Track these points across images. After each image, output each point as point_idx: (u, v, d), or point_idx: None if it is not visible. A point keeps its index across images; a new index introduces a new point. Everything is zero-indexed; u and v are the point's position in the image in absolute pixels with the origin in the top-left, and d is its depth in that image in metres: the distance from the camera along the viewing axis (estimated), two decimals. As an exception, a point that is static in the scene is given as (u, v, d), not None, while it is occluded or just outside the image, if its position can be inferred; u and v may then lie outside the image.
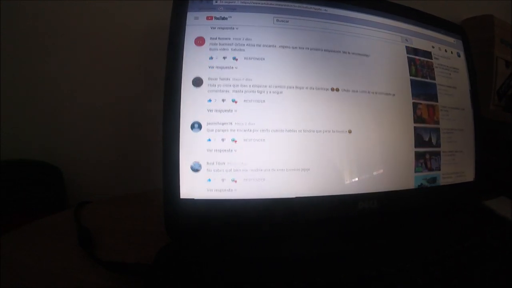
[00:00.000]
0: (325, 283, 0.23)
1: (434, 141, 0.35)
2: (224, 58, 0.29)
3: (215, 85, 0.28)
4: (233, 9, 0.30)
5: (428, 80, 0.36)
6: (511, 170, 0.47)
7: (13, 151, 0.50)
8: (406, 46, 0.36)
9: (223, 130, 0.28)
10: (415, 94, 0.35)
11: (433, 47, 0.37)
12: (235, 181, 0.28)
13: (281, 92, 0.29)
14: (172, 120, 0.27)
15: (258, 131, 0.28)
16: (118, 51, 0.52)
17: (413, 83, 0.35)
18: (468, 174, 0.38)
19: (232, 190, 0.28)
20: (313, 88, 0.30)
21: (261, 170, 0.28)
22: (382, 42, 0.34)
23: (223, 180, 0.28)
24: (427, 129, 0.35)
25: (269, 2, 0.31)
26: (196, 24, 0.29)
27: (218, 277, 0.24)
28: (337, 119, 0.31)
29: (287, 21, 0.31)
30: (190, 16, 0.29)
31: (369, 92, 0.32)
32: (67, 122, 0.53)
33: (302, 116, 0.30)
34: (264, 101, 0.29)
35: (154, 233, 0.32)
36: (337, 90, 0.31)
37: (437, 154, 0.36)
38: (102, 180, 0.56)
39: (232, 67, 0.29)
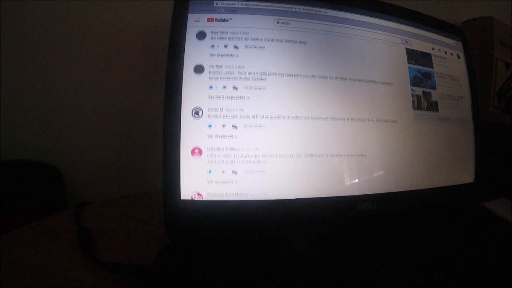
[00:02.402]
0: (325, 284, 0.23)
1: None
2: (225, 46, 0.29)
3: (217, 72, 0.29)
4: (233, 11, 0.30)
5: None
6: (510, 171, 0.47)
7: (13, 152, 0.50)
8: (406, 48, 0.36)
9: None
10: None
11: (433, 48, 0.38)
12: (236, 173, 0.28)
13: (279, 80, 0.30)
14: (173, 106, 0.27)
15: (258, 118, 0.29)
16: (119, 52, 0.52)
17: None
18: (467, 176, 0.38)
19: (232, 182, 0.28)
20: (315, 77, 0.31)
21: (262, 161, 0.28)
22: (382, 43, 0.34)
23: (223, 171, 0.28)
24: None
25: (270, 4, 0.31)
26: (197, 26, 0.29)
27: (218, 279, 0.24)
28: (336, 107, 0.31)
29: (288, 23, 0.31)
30: (191, 18, 0.29)
31: (365, 81, 0.33)
32: (67, 123, 0.53)
33: (301, 105, 0.30)
34: (264, 88, 0.29)
35: (154, 234, 0.32)
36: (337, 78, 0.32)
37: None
38: (102, 181, 0.56)
39: (233, 55, 0.29)
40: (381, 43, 0.34)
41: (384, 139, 0.33)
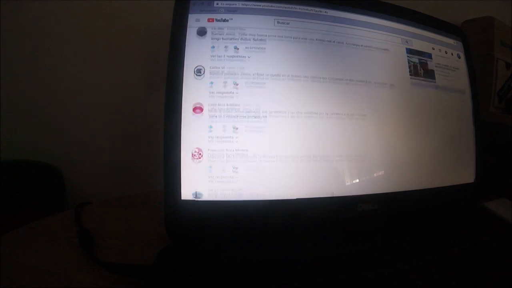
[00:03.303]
0: (325, 284, 0.23)
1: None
2: (226, 46, 0.29)
3: (217, 73, 0.29)
4: (234, 11, 0.30)
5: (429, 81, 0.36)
6: (510, 171, 0.47)
7: (13, 152, 0.50)
8: (407, 48, 0.36)
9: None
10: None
11: (433, 48, 0.38)
12: (236, 170, 0.28)
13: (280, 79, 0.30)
14: (173, 106, 0.27)
15: (258, 118, 0.29)
16: (119, 52, 0.52)
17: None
18: (468, 176, 0.38)
19: (233, 178, 0.28)
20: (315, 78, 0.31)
21: (262, 161, 0.28)
22: (383, 43, 0.34)
23: (224, 168, 0.28)
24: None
25: (270, 4, 0.31)
26: (197, 26, 0.29)
27: (218, 279, 0.24)
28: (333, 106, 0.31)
29: (288, 23, 0.31)
30: (192, 18, 0.29)
31: (366, 82, 0.33)
32: (67, 123, 0.53)
33: (302, 105, 0.30)
34: (264, 87, 0.29)
35: (154, 234, 0.32)
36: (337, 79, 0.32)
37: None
38: (102, 181, 0.56)
39: (234, 55, 0.29)
40: (381, 42, 0.34)
41: (384, 139, 0.33)
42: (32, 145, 0.52)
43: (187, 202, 0.27)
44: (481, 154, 0.38)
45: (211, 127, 0.28)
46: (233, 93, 0.29)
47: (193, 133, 0.28)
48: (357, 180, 0.31)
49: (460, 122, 0.38)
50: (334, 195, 0.30)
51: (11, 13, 0.47)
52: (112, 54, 0.52)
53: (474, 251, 0.28)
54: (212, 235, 0.28)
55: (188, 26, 0.29)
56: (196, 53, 0.29)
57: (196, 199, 0.27)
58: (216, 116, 0.28)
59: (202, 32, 0.29)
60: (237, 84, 0.29)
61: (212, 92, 0.28)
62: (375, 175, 0.32)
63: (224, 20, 0.30)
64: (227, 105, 0.28)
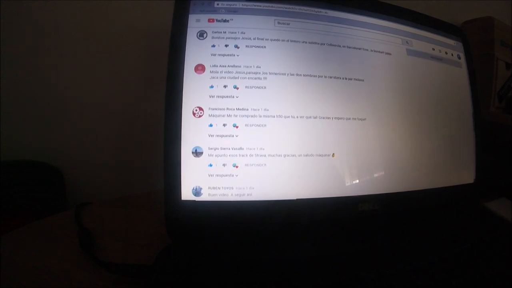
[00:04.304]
0: (325, 284, 0.23)
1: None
2: (226, 46, 0.29)
3: (217, 72, 0.29)
4: (234, 11, 0.30)
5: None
6: (510, 171, 0.47)
7: (14, 152, 0.50)
8: (407, 48, 0.36)
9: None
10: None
11: (433, 49, 0.38)
12: (236, 166, 0.28)
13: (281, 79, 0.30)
14: (174, 106, 0.27)
15: (259, 117, 0.29)
16: (119, 52, 0.52)
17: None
18: (468, 176, 0.38)
19: (233, 175, 0.28)
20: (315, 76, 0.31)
21: (262, 155, 0.28)
22: (383, 44, 0.34)
23: (224, 165, 0.28)
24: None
25: (270, 4, 0.31)
26: (197, 26, 0.29)
27: (218, 279, 0.24)
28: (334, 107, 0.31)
29: (288, 24, 0.31)
30: (192, 18, 0.29)
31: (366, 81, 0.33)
32: (67, 122, 0.53)
33: (302, 104, 0.30)
34: (265, 87, 0.29)
35: (154, 234, 0.32)
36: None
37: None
38: (103, 181, 0.56)
39: (234, 55, 0.29)
40: (381, 43, 0.34)
41: (384, 140, 0.33)
42: (32, 145, 0.52)
43: (187, 202, 0.27)
44: (481, 154, 0.38)
45: (211, 125, 0.28)
46: (233, 96, 0.29)
47: (193, 133, 0.27)
48: (358, 180, 0.31)
49: (460, 122, 0.38)
50: (335, 196, 0.30)
51: (11, 13, 0.47)
52: (112, 54, 0.52)
53: (474, 251, 0.28)
54: (212, 235, 0.28)
55: (188, 26, 0.29)
56: (196, 53, 0.29)
57: (196, 199, 0.27)
58: (215, 116, 0.28)
59: (202, 33, 0.29)
60: (237, 88, 0.29)
61: (212, 95, 0.28)
62: (375, 175, 0.32)
63: (225, 21, 0.30)
64: (227, 108, 0.28)
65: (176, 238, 0.28)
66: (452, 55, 0.39)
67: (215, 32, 0.29)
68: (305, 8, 0.32)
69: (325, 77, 0.31)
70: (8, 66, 0.49)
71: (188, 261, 0.26)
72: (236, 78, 0.29)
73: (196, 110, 0.28)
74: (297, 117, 0.30)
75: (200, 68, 0.28)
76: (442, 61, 0.38)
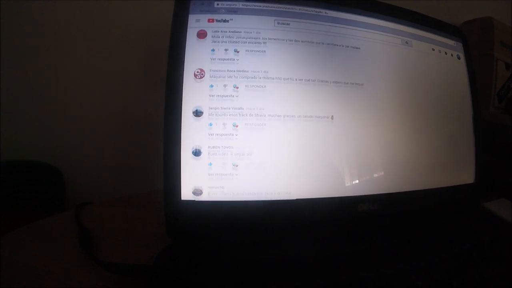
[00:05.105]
0: (325, 284, 0.23)
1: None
2: (226, 47, 0.29)
3: (217, 76, 0.29)
4: (234, 11, 0.30)
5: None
6: (510, 171, 0.47)
7: (14, 152, 0.50)
8: (407, 49, 0.36)
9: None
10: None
11: (433, 49, 0.38)
12: (236, 166, 0.28)
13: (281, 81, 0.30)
14: (173, 106, 0.27)
15: (258, 116, 0.29)
16: (119, 52, 0.52)
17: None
18: (468, 176, 0.38)
19: (233, 175, 0.28)
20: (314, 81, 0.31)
21: (263, 160, 0.28)
22: (382, 44, 0.34)
23: (224, 164, 0.28)
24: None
25: (270, 4, 0.31)
26: (197, 26, 0.29)
27: (218, 279, 0.24)
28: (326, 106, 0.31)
29: (288, 24, 0.31)
30: (192, 19, 0.29)
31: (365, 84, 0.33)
32: (67, 123, 0.53)
33: (302, 106, 0.30)
34: (264, 87, 0.29)
35: (154, 234, 0.32)
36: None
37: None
38: (103, 181, 0.56)
39: (234, 55, 0.29)
40: (381, 43, 0.34)
41: (385, 140, 0.33)
42: (32, 145, 0.52)
43: (187, 202, 0.27)
44: (481, 154, 0.38)
45: (210, 125, 0.28)
46: (233, 96, 0.29)
47: (193, 132, 0.27)
48: (358, 181, 0.31)
49: (460, 123, 0.38)
50: (335, 196, 0.30)
51: (11, 13, 0.47)
52: (112, 54, 0.52)
53: (474, 251, 0.28)
54: (212, 235, 0.28)
55: (188, 26, 0.29)
56: (196, 54, 0.29)
57: (196, 199, 0.27)
58: (215, 115, 0.28)
59: (202, 33, 0.29)
60: (237, 87, 0.29)
61: (212, 96, 0.28)
62: (375, 175, 0.32)
63: (225, 21, 0.30)
64: (227, 108, 0.28)
65: (176, 238, 0.28)
66: (452, 55, 0.39)
67: (215, 32, 0.29)
68: (305, 8, 0.32)
69: (324, 80, 0.31)
70: (8, 66, 0.49)
71: (188, 261, 0.26)
72: (236, 77, 0.29)
73: (196, 110, 0.28)
74: (297, 117, 0.30)
75: (199, 69, 0.28)
76: (441, 62, 0.38)
